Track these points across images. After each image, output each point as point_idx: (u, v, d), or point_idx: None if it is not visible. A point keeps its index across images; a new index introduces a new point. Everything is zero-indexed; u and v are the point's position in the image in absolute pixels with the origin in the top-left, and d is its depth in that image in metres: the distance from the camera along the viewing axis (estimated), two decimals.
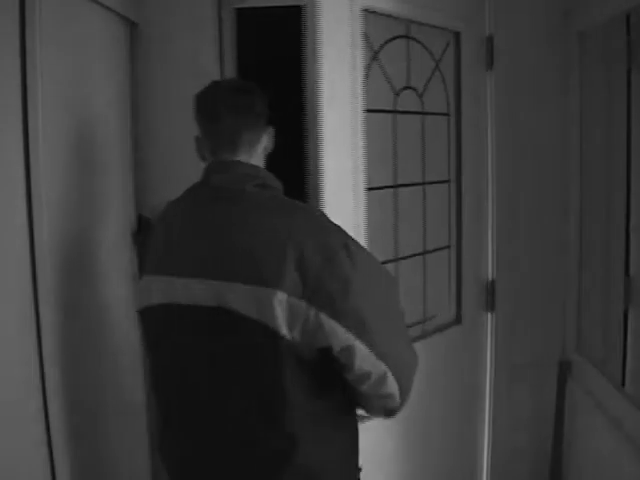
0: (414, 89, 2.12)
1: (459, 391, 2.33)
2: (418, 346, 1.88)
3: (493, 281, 2.35)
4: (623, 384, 1.91)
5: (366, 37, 1.89)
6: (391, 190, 2.07)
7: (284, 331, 1.24)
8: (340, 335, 1.25)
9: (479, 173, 2.31)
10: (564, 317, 2.32)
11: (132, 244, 2.09)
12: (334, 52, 1.77)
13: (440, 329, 2.22)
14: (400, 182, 2.08)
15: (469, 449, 2.41)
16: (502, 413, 2.38)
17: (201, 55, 2.16)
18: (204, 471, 1.39)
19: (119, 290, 1.99)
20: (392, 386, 1.32)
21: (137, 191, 2.12)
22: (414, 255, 2.15)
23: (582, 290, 2.22)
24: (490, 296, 2.35)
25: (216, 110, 1.42)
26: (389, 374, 1.30)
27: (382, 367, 1.29)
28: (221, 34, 2.24)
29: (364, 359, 1.27)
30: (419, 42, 2.14)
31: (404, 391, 1.35)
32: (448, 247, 2.29)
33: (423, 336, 2.16)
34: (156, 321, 1.42)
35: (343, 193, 1.83)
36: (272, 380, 1.27)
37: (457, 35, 2.22)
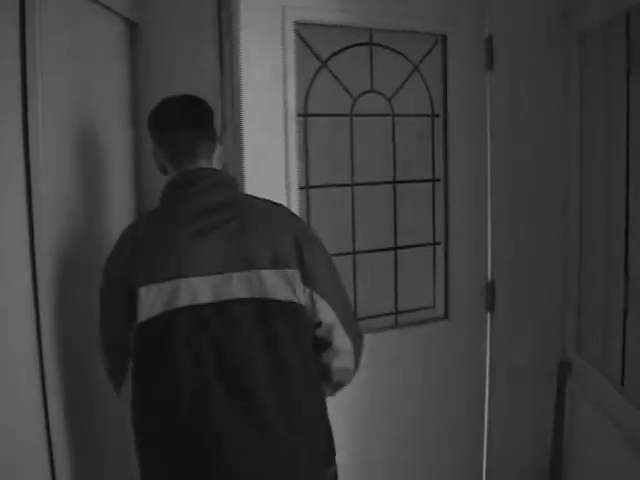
0: (380, 93, 2.23)
1: (448, 385, 2.35)
2: (391, 334, 2.24)
3: (492, 281, 2.35)
4: (623, 384, 1.91)
5: (309, 47, 2.12)
6: (370, 187, 2.25)
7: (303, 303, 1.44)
8: (328, 313, 1.47)
9: (477, 173, 2.31)
10: (564, 317, 2.32)
11: None
12: (262, 62, 2.02)
13: (423, 322, 2.33)
14: (370, 181, 2.25)
15: (469, 449, 2.41)
16: (502, 413, 2.38)
17: (201, 55, 2.16)
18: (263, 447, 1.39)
19: None
20: (352, 361, 1.54)
21: (137, 191, 2.12)
22: (371, 250, 2.29)
23: (582, 290, 2.22)
24: (490, 296, 2.35)
25: (174, 123, 1.55)
26: (352, 350, 1.52)
27: (349, 344, 1.51)
28: (221, 34, 2.24)
29: (340, 336, 1.49)
30: (388, 48, 2.22)
31: (357, 366, 1.56)
32: (432, 244, 2.36)
33: (399, 326, 2.31)
34: (165, 326, 1.38)
35: (275, 190, 2.00)
36: (305, 355, 1.45)
37: (444, 38, 2.25)
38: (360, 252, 2.26)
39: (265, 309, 1.40)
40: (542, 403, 2.35)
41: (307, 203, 2.16)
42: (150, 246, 1.43)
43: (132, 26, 2.09)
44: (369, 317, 2.27)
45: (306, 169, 2.16)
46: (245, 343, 1.39)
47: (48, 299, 1.46)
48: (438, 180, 2.34)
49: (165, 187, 1.51)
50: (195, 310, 1.38)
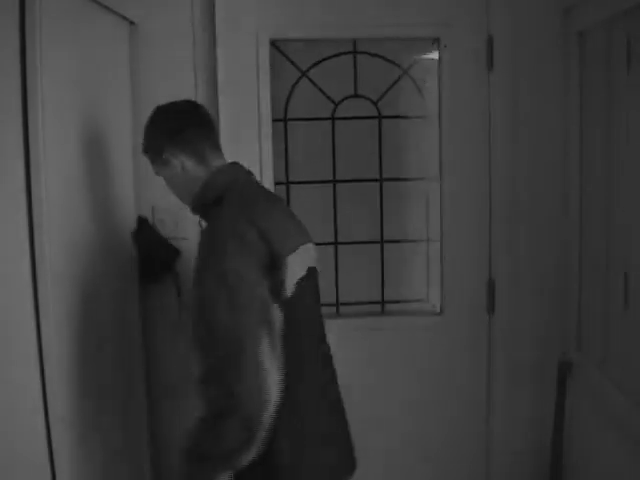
0: (366, 97, 2.35)
1: (444, 380, 2.37)
2: (378, 321, 2.42)
3: (492, 280, 2.35)
4: (623, 384, 1.91)
5: (289, 60, 2.30)
6: (359, 185, 2.41)
7: None
8: None
9: (477, 172, 2.31)
10: (564, 317, 2.32)
11: (132, 243, 2.09)
12: (238, 76, 2.21)
13: (414, 314, 2.43)
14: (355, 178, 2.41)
15: (469, 449, 2.41)
16: (502, 413, 2.38)
17: (199, 55, 2.17)
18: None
19: (119, 289, 1.99)
20: None
21: (137, 190, 2.13)
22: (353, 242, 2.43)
23: (582, 290, 2.22)
24: (490, 295, 2.35)
25: (191, 121, 1.58)
26: None
27: None
28: (218, 31, 2.25)
29: None
30: (375, 55, 2.32)
31: None
32: (426, 240, 2.44)
33: (386, 314, 2.44)
34: (303, 287, 1.48)
35: None
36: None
37: (439, 40, 2.29)
38: (343, 243, 2.42)
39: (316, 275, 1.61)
40: (542, 403, 2.35)
41: (287, 197, 2.38)
42: (274, 220, 1.47)
43: (132, 26, 2.09)
44: (352, 304, 2.42)
45: (286, 167, 2.35)
46: (319, 305, 1.62)
47: (48, 299, 1.46)
48: (436, 179, 2.37)
49: (224, 175, 1.54)
50: (308, 274, 1.52)
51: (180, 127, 1.56)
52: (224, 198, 1.48)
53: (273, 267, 1.38)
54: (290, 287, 1.41)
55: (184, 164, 1.54)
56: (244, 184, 1.55)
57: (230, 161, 1.59)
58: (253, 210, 1.45)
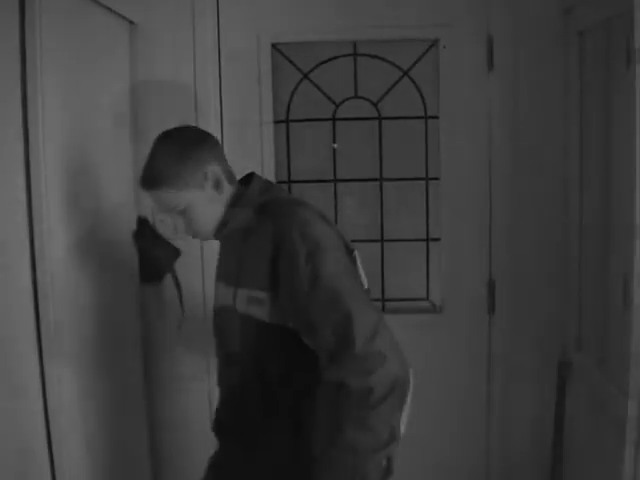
0: (366, 98, 2.38)
1: (444, 380, 2.37)
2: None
3: (492, 280, 2.35)
4: (623, 384, 1.91)
5: (291, 62, 2.35)
6: (360, 184, 2.45)
7: None
8: None
9: (477, 172, 2.32)
10: (564, 317, 2.32)
11: (132, 243, 2.09)
12: (240, 78, 2.27)
13: (415, 312, 2.46)
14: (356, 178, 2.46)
15: (469, 449, 2.41)
16: (502, 413, 2.38)
17: (201, 55, 2.17)
18: None
19: (120, 289, 2.00)
20: None
21: (137, 190, 2.13)
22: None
23: (582, 290, 2.22)
24: (490, 295, 2.35)
25: (214, 139, 1.53)
26: None
27: None
28: (219, 34, 2.26)
29: None
30: (375, 57, 2.35)
31: None
32: (426, 240, 2.45)
33: (386, 312, 2.42)
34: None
35: None
36: None
37: (439, 41, 2.31)
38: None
39: None
40: (542, 403, 2.34)
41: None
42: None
43: (132, 26, 2.10)
44: None
45: (288, 167, 2.41)
46: None
47: (48, 299, 1.47)
48: (436, 179, 2.38)
49: (269, 186, 1.54)
50: None
51: (211, 140, 1.50)
52: (266, 205, 1.45)
53: (351, 255, 1.45)
54: (364, 278, 1.48)
55: (221, 181, 1.46)
56: (280, 190, 1.59)
57: (246, 173, 1.57)
58: (308, 206, 1.47)
